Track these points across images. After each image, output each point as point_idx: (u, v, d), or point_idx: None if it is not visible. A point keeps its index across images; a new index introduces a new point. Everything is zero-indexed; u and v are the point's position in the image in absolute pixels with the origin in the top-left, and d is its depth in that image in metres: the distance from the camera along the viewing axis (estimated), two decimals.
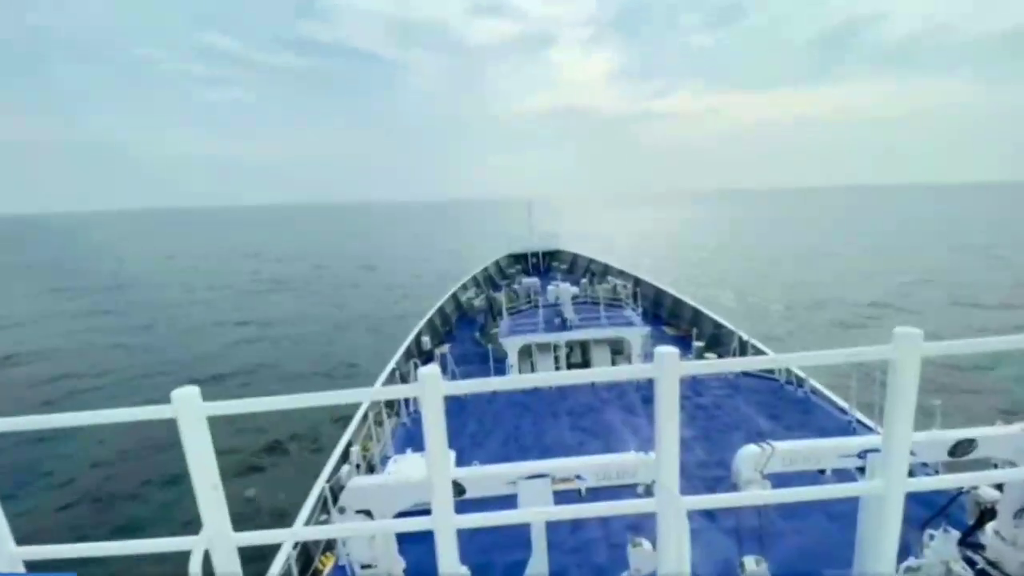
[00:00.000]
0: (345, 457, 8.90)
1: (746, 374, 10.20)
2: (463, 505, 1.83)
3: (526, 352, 12.58)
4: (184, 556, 1.57)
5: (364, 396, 1.72)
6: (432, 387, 1.61)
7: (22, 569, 1.71)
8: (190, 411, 1.57)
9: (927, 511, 3.76)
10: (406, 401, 9.71)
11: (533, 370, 12.13)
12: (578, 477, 3.40)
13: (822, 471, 3.36)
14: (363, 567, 3.46)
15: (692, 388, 9.65)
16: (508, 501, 3.23)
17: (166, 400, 1.55)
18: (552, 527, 3.83)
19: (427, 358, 14.76)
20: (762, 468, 3.31)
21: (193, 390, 1.58)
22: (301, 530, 3.03)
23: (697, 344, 13.15)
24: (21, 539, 1.68)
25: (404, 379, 12.02)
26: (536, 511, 2.70)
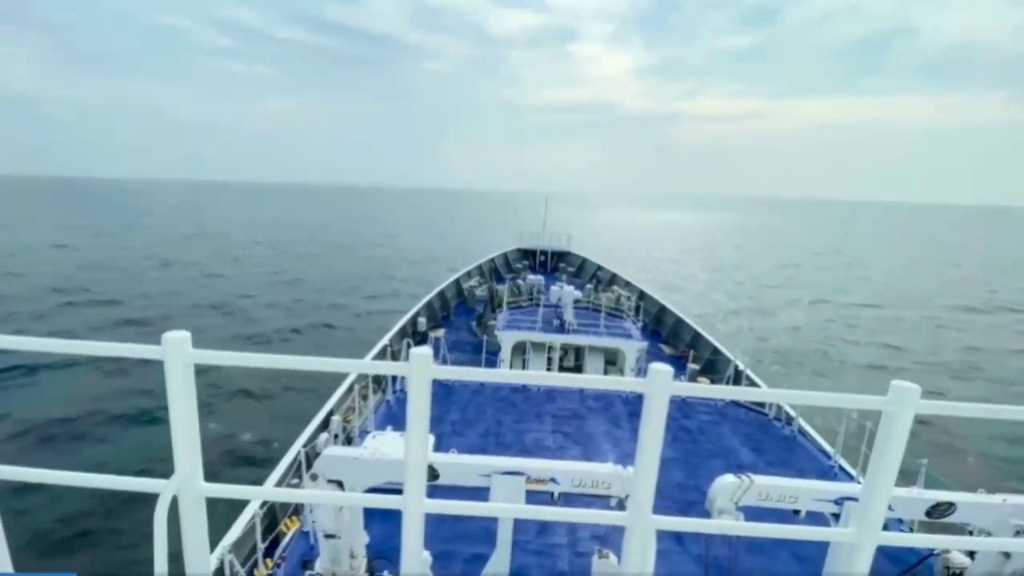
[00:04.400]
0: (325, 425, 8.92)
1: (736, 404, 10.17)
2: (434, 491, 1.82)
3: (520, 349, 12.57)
4: (150, 500, 1.56)
5: (353, 368, 1.70)
6: (421, 368, 1.60)
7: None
8: (178, 356, 1.55)
9: (895, 567, 3.74)
10: (393, 379, 9.72)
11: (525, 367, 12.11)
12: (553, 480, 3.39)
13: (796, 511, 3.35)
14: (327, 536, 3.46)
15: (680, 410, 9.62)
16: (479, 494, 3.23)
17: None
18: (519, 527, 3.82)
19: (421, 339, 14.76)
20: (737, 499, 3.30)
21: (184, 335, 1.56)
22: (271, 490, 3.03)
23: (692, 367, 13.11)
24: None
25: (395, 357, 12.03)
26: (507, 506, 2.70)
